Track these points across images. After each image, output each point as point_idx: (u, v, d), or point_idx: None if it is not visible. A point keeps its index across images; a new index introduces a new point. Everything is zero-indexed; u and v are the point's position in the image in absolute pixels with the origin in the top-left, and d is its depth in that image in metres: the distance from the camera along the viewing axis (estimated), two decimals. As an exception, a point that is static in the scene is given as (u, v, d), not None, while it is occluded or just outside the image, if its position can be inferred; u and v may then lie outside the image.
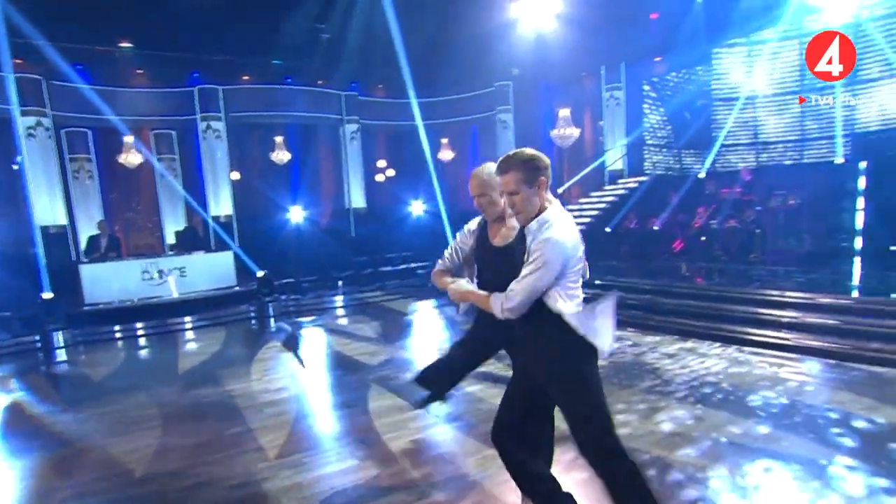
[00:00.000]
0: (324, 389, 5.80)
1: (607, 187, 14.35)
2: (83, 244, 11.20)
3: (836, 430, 3.83)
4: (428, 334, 8.44)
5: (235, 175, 14.76)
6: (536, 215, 2.36)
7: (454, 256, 3.00)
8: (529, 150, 2.38)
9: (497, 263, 2.80)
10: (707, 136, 13.79)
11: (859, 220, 10.32)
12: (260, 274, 9.99)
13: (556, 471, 2.75)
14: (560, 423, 2.48)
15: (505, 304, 2.35)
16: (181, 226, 13.55)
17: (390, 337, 7.98)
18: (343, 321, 9.49)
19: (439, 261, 3.01)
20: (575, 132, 14.99)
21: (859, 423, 3.91)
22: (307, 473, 3.67)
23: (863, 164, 10.62)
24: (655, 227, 11.73)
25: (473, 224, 3.02)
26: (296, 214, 13.68)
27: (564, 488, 2.64)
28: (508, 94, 15.81)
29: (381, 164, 17.35)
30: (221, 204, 14.03)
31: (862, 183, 10.50)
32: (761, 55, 12.67)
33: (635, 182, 13.66)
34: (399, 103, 16.58)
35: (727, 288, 7.75)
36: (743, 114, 13.11)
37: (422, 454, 3.90)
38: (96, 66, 13.02)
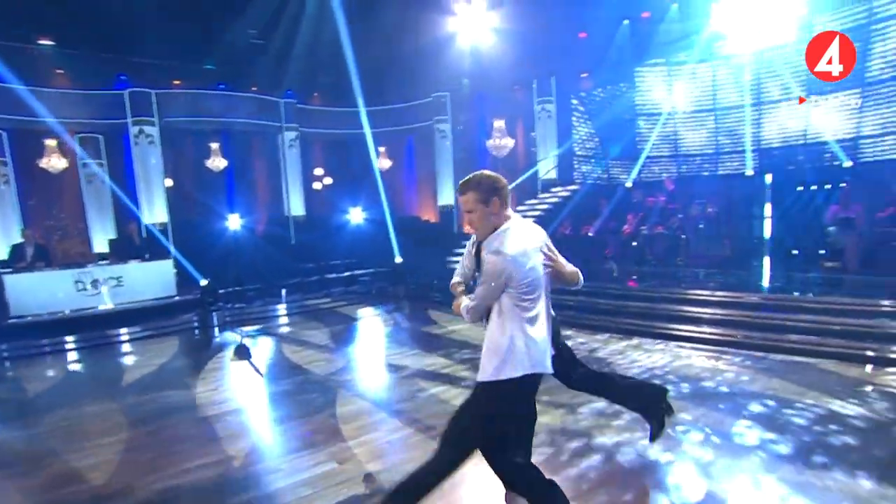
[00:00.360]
0: (279, 398, 5.69)
1: (541, 195, 15.01)
2: (4, 253, 10.53)
3: (776, 413, 4.41)
4: (377, 340, 8.57)
5: (169, 182, 14.30)
6: (493, 231, 2.57)
7: (465, 273, 3.01)
8: (487, 173, 2.63)
9: None
10: (632, 148, 14.82)
11: (767, 227, 11.46)
12: (203, 282, 9.79)
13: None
14: (541, 416, 2.72)
15: (466, 310, 2.64)
16: (111, 234, 12.97)
17: (341, 343, 8.09)
18: (293, 328, 9.42)
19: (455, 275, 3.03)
20: (510, 142, 15.63)
21: (789, 409, 4.51)
22: (268, 486, 3.63)
23: (768, 178, 11.83)
24: (590, 234, 12.44)
25: (470, 243, 3.01)
26: (234, 222, 13.42)
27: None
28: (446, 104, 16.26)
29: (319, 171, 17.32)
30: (156, 211, 13.54)
31: (768, 193, 11.68)
32: (680, 75, 13.75)
33: (567, 191, 14.41)
34: (338, 112, 16.67)
35: (667, 289, 8.40)
36: (665, 128, 14.15)
37: (387, 457, 4.00)
38: (12, 63, 12.27)
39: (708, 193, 12.07)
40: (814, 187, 11.20)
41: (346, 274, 12.97)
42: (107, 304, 9.74)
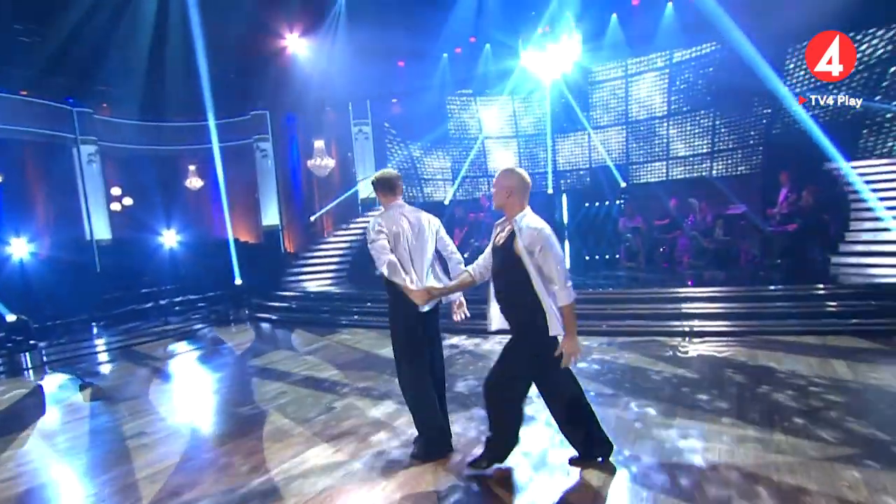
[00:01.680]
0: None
1: (371, 213, 15.58)
2: None
3: (621, 376, 5.69)
4: (230, 369, 8.14)
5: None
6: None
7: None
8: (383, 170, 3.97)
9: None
10: (449, 168, 16.29)
11: (565, 237, 13.73)
12: (11, 318, 8.31)
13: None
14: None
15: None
16: None
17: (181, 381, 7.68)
18: (121, 366, 8.41)
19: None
20: (330, 163, 15.99)
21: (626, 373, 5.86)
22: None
23: (563, 196, 14.20)
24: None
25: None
26: (19, 248, 11.41)
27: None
28: (266, 122, 15.94)
29: (118, 191, 15.48)
30: None
31: (564, 209, 14.03)
32: (489, 105, 15.62)
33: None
34: (142, 125, 15.21)
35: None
36: (477, 151, 15.83)
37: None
38: None
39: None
40: (597, 203, 13.80)
41: (180, 299, 11.91)
42: None
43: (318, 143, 15.87)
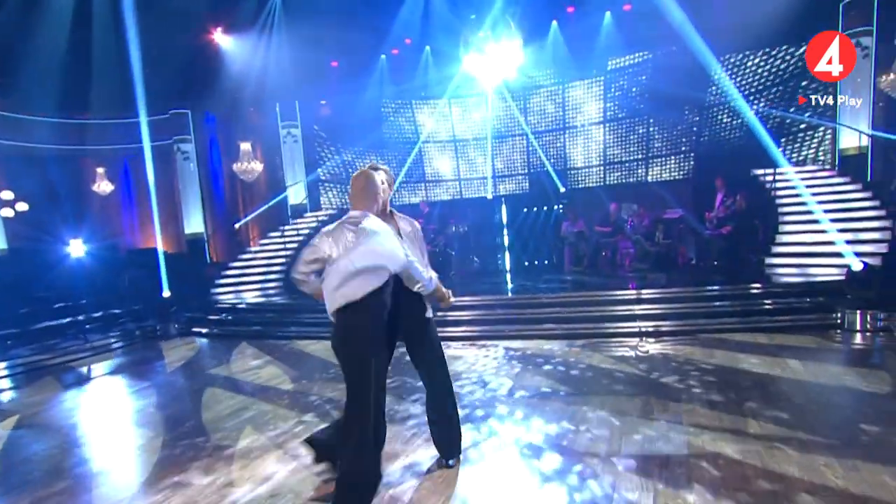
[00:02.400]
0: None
1: (308, 214, 15.04)
2: None
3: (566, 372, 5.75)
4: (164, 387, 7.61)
5: None
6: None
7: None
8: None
9: None
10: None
11: (505, 243, 13.87)
12: None
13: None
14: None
15: (432, 279, 3.63)
16: None
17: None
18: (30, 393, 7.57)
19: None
20: (258, 166, 15.30)
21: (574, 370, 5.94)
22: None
23: (502, 201, 14.33)
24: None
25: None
26: None
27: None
28: (187, 122, 14.96)
29: (8, 195, 13.95)
30: None
31: (504, 215, 14.15)
32: (427, 109, 15.52)
33: (325, 215, 14.80)
34: (38, 121, 13.82)
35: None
36: (414, 156, 15.67)
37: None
38: None
39: (458, 215, 13.98)
40: (535, 209, 14.04)
41: (100, 314, 10.81)
42: None
43: (245, 146, 15.15)
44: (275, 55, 14.11)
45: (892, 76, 9.94)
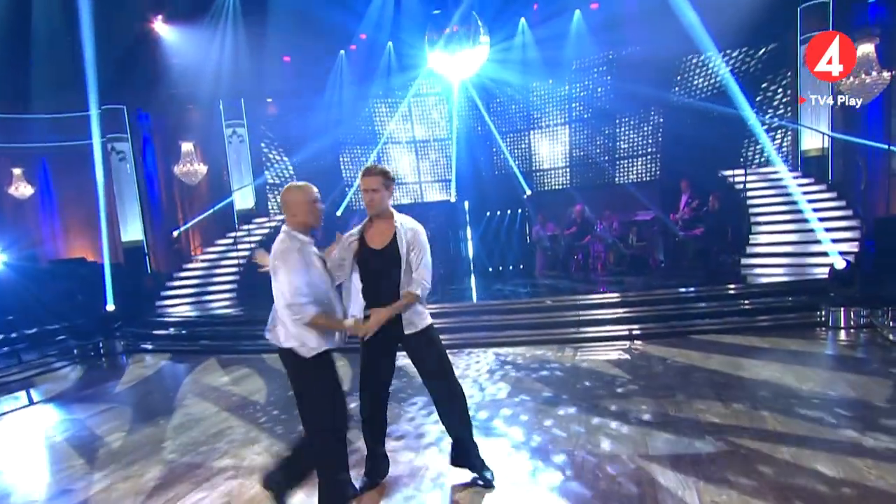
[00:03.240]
0: None
1: (259, 220, 14.23)
2: None
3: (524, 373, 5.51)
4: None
5: None
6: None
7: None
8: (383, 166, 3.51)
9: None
10: (334, 177, 15.34)
11: (470, 247, 13.54)
12: None
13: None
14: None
15: (423, 288, 3.31)
16: None
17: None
18: None
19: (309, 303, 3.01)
20: (202, 168, 14.39)
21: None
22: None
23: (466, 204, 13.98)
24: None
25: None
26: None
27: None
28: (122, 119, 13.78)
29: None
30: None
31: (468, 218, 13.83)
32: (388, 107, 15.02)
33: (275, 221, 14.06)
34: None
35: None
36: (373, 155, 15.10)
37: None
38: None
39: (421, 219, 13.47)
40: (498, 213, 13.79)
41: (34, 331, 9.74)
42: None
43: (186, 146, 14.18)
44: (221, 48, 13.31)
45: (852, 79, 10.28)
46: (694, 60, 12.73)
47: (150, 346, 9.57)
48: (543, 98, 14.14)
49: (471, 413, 3.66)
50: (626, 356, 6.46)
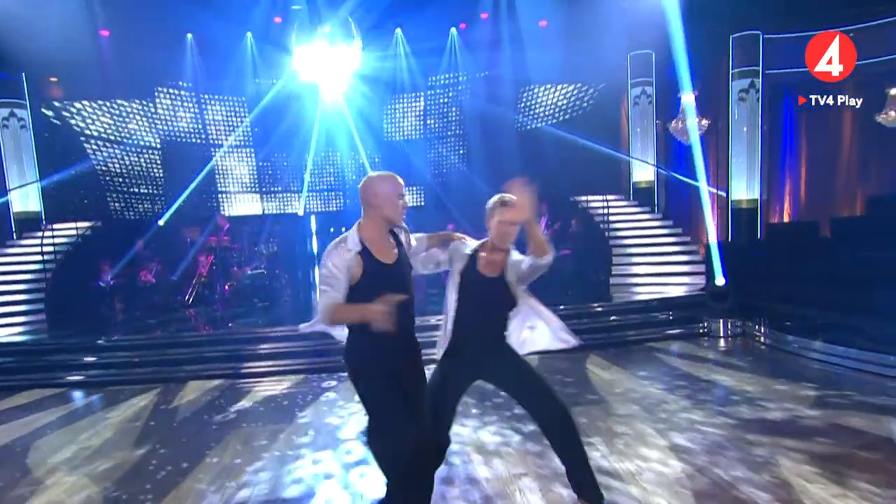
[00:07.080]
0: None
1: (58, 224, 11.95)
2: None
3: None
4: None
5: None
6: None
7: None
8: None
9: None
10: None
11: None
12: None
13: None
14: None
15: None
16: None
17: None
18: None
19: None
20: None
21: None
22: None
23: (313, 217, 13.49)
24: (148, 279, 10.99)
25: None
26: None
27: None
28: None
29: None
30: None
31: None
32: (216, 107, 13.79)
33: (87, 227, 12.03)
34: None
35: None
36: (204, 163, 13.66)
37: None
38: None
39: (266, 231, 12.67)
40: (343, 229, 13.52)
41: None
42: None
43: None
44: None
45: (678, 123, 12.42)
46: (535, 90, 14.05)
47: None
48: (398, 112, 14.37)
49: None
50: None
